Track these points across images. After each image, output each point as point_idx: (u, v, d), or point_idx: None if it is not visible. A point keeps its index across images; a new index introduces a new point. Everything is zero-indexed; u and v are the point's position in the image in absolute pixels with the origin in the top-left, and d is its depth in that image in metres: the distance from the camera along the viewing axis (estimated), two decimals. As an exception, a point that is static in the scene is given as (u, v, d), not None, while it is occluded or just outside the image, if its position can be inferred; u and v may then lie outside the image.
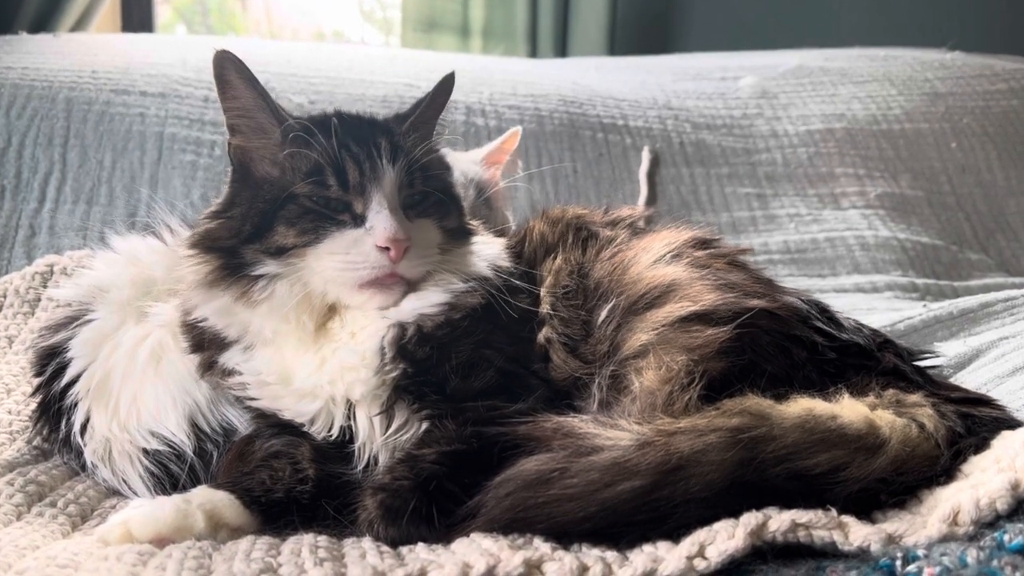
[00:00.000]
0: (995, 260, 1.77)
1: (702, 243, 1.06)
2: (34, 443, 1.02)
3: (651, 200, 1.83)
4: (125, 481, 0.91)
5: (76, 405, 0.94)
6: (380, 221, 0.87)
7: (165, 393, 0.93)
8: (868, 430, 0.79)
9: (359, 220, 0.88)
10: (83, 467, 0.95)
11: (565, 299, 0.93)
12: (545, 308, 0.94)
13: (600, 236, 1.03)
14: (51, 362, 0.99)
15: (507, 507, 0.73)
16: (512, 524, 0.73)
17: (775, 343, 0.92)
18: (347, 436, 0.87)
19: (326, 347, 0.90)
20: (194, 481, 0.90)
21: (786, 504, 0.73)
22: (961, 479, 0.79)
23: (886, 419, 0.82)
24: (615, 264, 0.95)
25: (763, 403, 0.80)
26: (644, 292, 0.90)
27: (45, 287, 1.42)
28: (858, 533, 0.70)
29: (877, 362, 0.95)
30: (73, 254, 1.48)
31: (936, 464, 0.80)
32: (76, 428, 0.93)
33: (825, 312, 1.00)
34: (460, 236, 0.98)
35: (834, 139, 1.94)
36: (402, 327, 0.88)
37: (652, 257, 0.94)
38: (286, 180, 0.90)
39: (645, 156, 1.90)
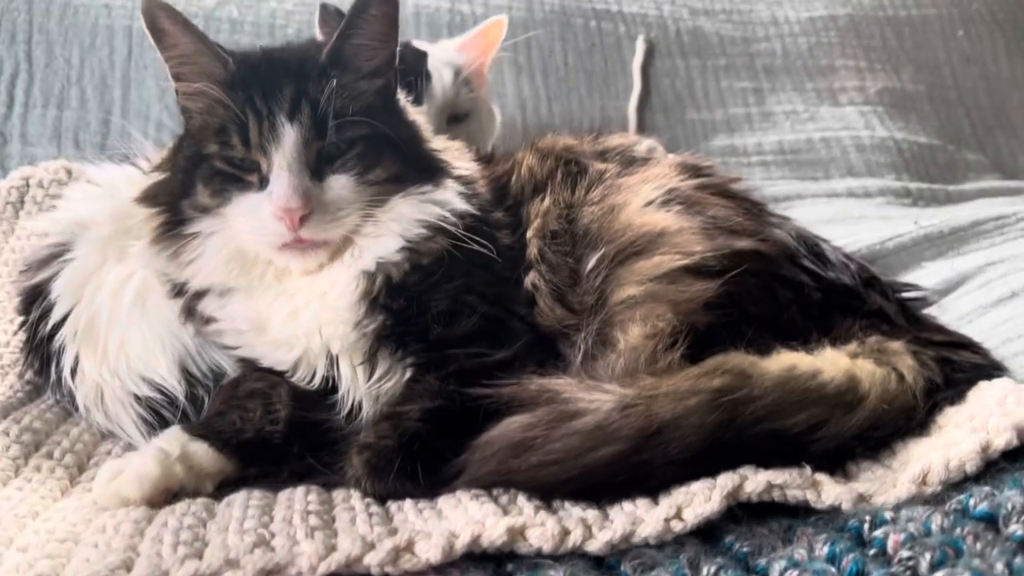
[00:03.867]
0: (992, 159, 1.74)
1: (693, 170, 1.04)
2: (26, 378, 1.03)
3: (644, 95, 1.77)
4: (120, 426, 0.93)
5: (64, 348, 0.95)
6: (278, 186, 0.84)
7: (153, 337, 0.93)
8: (848, 385, 0.80)
9: (264, 182, 0.85)
10: (75, 408, 0.96)
11: (553, 244, 0.92)
12: (532, 252, 0.93)
13: (590, 171, 1.00)
14: (35, 302, 0.98)
15: (491, 470, 0.75)
16: (496, 484, 0.75)
17: (761, 284, 0.91)
18: (329, 384, 0.88)
19: (297, 296, 0.89)
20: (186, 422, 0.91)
21: (762, 461, 0.75)
22: (935, 433, 0.81)
23: (866, 370, 0.83)
24: (604, 208, 0.93)
25: (745, 361, 0.81)
26: (633, 240, 0.88)
27: (22, 203, 1.39)
28: (830, 492, 0.73)
29: (862, 302, 0.96)
30: (48, 165, 1.44)
31: (913, 417, 0.82)
32: (66, 372, 0.94)
33: (814, 248, 0.99)
34: (405, 181, 0.90)
35: (836, 27, 1.86)
36: (369, 277, 0.86)
37: (642, 200, 0.92)
38: (201, 136, 0.86)
39: (639, 47, 1.83)
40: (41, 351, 0.97)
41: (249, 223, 0.86)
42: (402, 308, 0.86)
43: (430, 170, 0.94)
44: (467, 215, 0.91)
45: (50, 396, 1.00)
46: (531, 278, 0.92)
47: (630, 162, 1.04)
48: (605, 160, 1.04)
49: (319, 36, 1.26)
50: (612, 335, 0.84)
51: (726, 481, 0.72)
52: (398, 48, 1.24)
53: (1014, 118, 1.81)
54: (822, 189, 1.64)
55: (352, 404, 0.88)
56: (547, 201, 0.96)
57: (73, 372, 0.95)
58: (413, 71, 1.24)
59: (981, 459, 0.72)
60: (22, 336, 1.01)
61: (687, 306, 0.84)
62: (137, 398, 0.92)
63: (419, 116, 1.05)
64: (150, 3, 0.87)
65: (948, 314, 1.13)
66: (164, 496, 0.78)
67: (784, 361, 0.82)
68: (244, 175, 0.86)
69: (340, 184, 0.86)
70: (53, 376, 0.96)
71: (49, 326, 0.96)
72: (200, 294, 0.90)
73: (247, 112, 0.84)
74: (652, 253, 0.87)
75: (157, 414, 0.92)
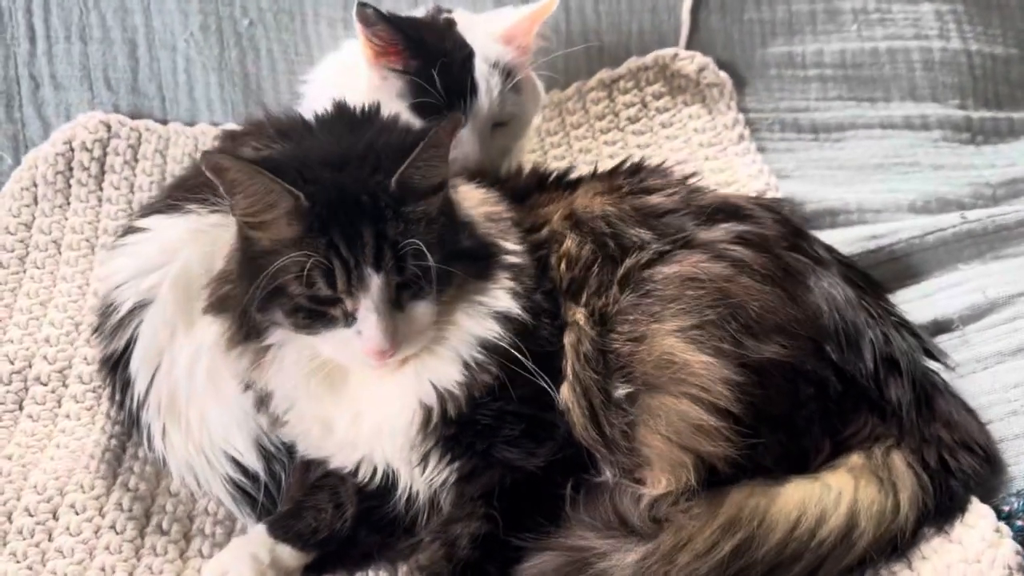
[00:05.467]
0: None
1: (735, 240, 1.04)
2: (112, 417, 1.16)
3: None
4: (212, 493, 1.07)
5: (152, 421, 1.06)
6: (367, 328, 0.88)
7: (229, 417, 1.04)
8: (847, 528, 0.92)
9: (350, 319, 0.90)
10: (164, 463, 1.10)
11: (587, 366, 0.97)
12: (567, 367, 0.98)
13: (627, 262, 1.01)
14: (115, 372, 1.09)
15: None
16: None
17: (785, 384, 0.99)
18: (388, 481, 1.00)
19: (361, 399, 0.98)
20: (269, 498, 1.06)
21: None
22: (920, 563, 0.92)
23: (866, 502, 0.94)
24: (636, 335, 0.96)
25: (759, 505, 0.92)
26: (660, 375, 0.94)
27: (71, 170, 1.41)
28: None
29: (880, 393, 1.02)
30: (87, 122, 1.44)
31: (899, 543, 0.94)
32: (157, 441, 1.07)
33: (846, 322, 1.02)
34: (467, 284, 0.95)
35: None
36: (427, 411, 0.95)
37: (672, 327, 0.95)
38: (280, 272, 0.88)
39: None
40: (132, 420, 1.09)
41: (337, 351, 0.92)
42: (453, 433, 0.96)
43: (485, 259, 0.98)
44: (518, 320, 0.96)
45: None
46: (565, 391, 0.98)
47: (674, 235, 1.04)
48: (650, 229, 1.04)
49: (359, 35, 1.17)
50: (641, 474, 0.94)
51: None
52: (440, 41, 1.18)
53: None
54: (878, 116, 1.55)
55: (409, 493, 1.01)
56: (582, 313, 1.00)
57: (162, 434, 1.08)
58: (458, 83, 1.16)
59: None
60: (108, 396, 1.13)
61: (710, 452, 0.92)
62: (225, 474, 1.05)
63: (469, 192, 1.05)
64: (216, 157, 0.87)
65: (969, 350, 1.18)
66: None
67: (794, 500, 0.93)
68: (329, 310, 0.90)
69: (420, 311, 0.92)
70: (146, 442, 1.08)
71: (135, 401, 1.07)
72: (271, 393, 1.00)
73: (332, 259, 0.87)
74: (680, 394, 0.93)
75: (242, 489, 1.06)
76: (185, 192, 1.17)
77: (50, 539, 1.02)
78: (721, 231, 1.07)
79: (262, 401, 1.02)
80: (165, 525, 1.06)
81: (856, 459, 0.98)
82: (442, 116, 1.12)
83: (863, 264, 1.31)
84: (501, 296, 0.97)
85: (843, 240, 1.34)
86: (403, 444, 0.96)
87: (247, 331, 0.94)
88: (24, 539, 1.01)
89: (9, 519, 1.03)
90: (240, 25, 1.54)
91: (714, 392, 0.93)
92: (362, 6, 1.16)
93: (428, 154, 0.90)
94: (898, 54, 1.59)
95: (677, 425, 0.93)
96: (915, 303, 1.27)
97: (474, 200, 1.04)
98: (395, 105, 1.17)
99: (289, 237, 0.88)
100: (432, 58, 1.18)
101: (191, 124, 1.56)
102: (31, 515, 1.03)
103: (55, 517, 1.04)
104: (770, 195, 1.41)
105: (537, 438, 0.98)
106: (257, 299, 0.89)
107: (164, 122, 1.55)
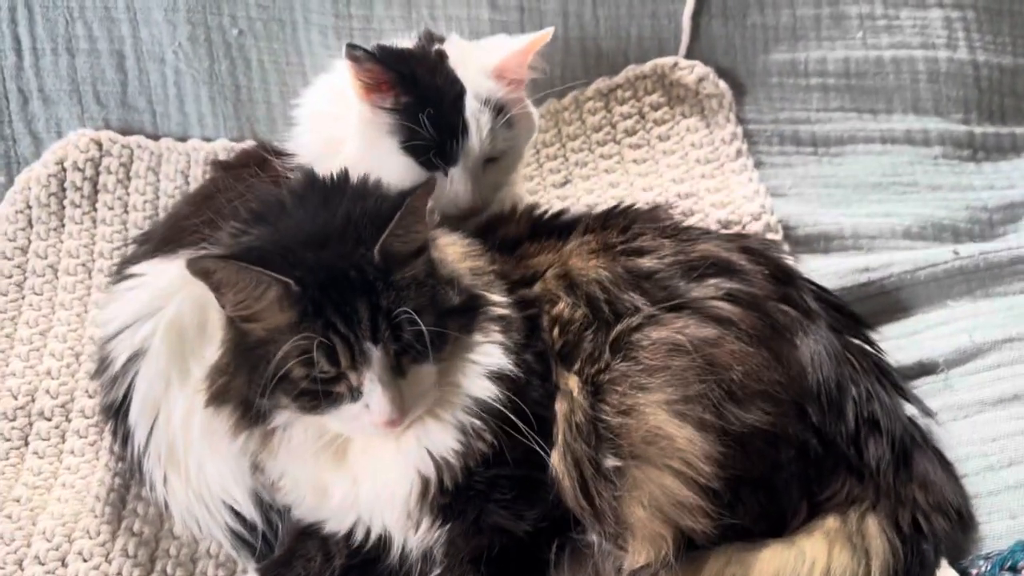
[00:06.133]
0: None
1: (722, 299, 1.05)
2: (114, 451, 1.19)
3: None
4: (213, 537, 1.11)
5: (153, 469, 1.10)
6: (374, 401, 0.91)
7: (227, 470, 1.07)
8: (819, 594, 0.96)
9: (356, 393, 0.92)
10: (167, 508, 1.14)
11: (578, 436, 0.99)
12: (559, 435, 1.00)
13: (619, 325, 1.03)
14: (116, 422, 1.12)
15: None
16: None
17: (766, 447, 1.01)
18: (381, 543, 1.04)
19: (358, 464, 1.00)
20: (267, 545, 1.10)
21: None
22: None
23: (840, 567, 0.98)
24: (624, 407, 0.98)
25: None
26: (647, 449, 0.96)
27: (63, 190, 1.41)
28: None
29: (859, 455, 1.05)
30: (77, 141, 1.43)
31: (864, 606, 0.98)
32: (159, 488, 1.10)
33: (830, 384, 1.04)
34: (460, 339, 0.97)
35: None
36: (424, 482, 0.97)
37: (660, 398, 0.97)
38: (282, 360, 0.89)
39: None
40: (134, 467, 1.12)
41: (345, 426, 0.95)
42: (448, 503, 0.99)
43: (473, 311, 0.99)
44: (511, 378, 0.98)
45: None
46: (556, 460, 1.00)
47: (663, 301, 1.05)
48: (642, 293, 1.05)
49: (350, 73, 1.15)
50: (624, 542, 0.97)
51: None
52: (431, 77, 1.17)
53: None
54: (879, 130, 1.52)
55: (402, 552, 1.05)
56: (574, 382, 1.01)
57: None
58: (449, 124, 1.15)
59: None
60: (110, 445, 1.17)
61: (690, 527, 0.95)
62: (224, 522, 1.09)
63: (450, 246, 1.05)
64: (201, 262, 0.88)
65: (951, 395, 1.20)
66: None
67: (768, 570, 0.97)
68: (334, 388, 0.92)
69: (422, 374, 0.95)
70: (148, 489, 1.12)
71: (136, 450, 1.10)
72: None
73: (331, 337, 0.89)
74: (664, 467, 0.96)
75: (240, 537, 1.10)
76: (177, 234, 1.18)
77: (60, 587, 1.07)
78: (711, 288, 1.08)
79: (256, 467, 1.05)
80: (169, 570, 1.11)
81: (832, 523, 1.01)
82: (433, 153, 1.15)
83: (853, 297, 1.34)
84: (494, 352, 0.98)
85: (836, 271, 1.35)
86: (400, 513, 1.00)
87: (251, 417, 0.96)
88: (35, 588, 1.07)
89: (20, 567, 1.08)
90: (229, 35, 1.50)
91: (696, 468, 0.95)
92: (351, 47, 1.13)
93: (406, 221, 0.91)
94: (903, 64, 1.54)
95: (659, 499, 0.95)
96: (902, 340, 1.29)
97: (456, 254, 1.04)
98: (386, 142, 1.17)
99: (284, 324, 0.90)
100: (423, 95, 1.16)
101: (183, 139, 1.54)
102: (41, 563, 1.08)
103: (64, 564, 1.09)
104: (764, 218, 1.41)
105: (529, 501, 1.01)
106: (262, 389, 0.91)
107: (156, 137, 1.53)
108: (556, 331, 1.05)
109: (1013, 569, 0.99)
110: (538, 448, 0.97)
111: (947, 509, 1.05)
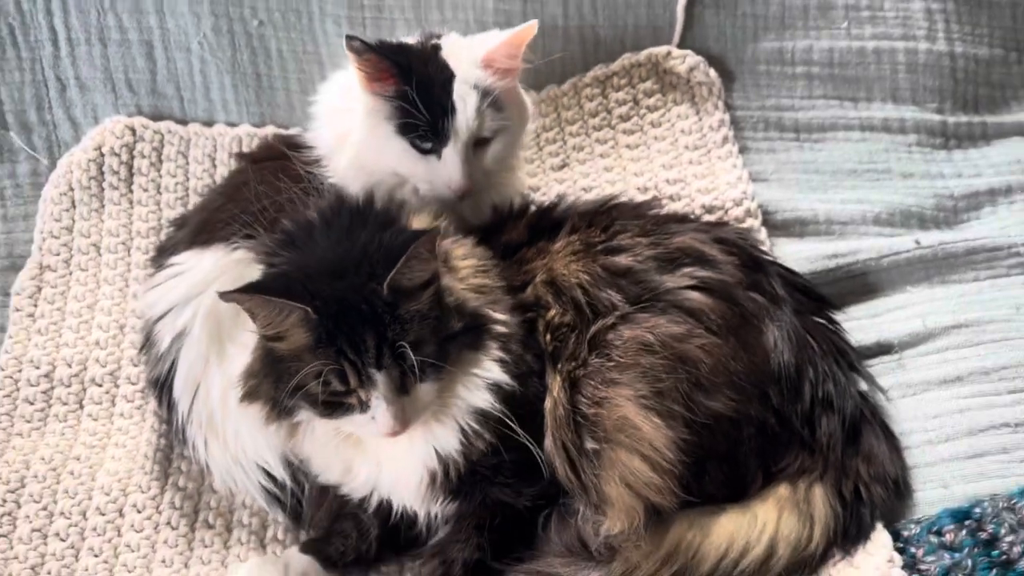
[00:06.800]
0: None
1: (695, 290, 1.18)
2: (160, 416, 1.35)
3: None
4: (250, 495, 1.28)
5: (195, 436, 1.26)
6: (379, 415, 1.05)
7: (260, 437, 1.22)
8: (767, 555, 1.12)
9: (364, 406, 1.06)
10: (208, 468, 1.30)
11: (564, 428, 1.14)
12: (549, 424, 1.15)
13: (596, 324, 1.16)
14: (162, 394, 1.28)
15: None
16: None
17: (728, 432, 1.16)
18: (406, 514, 1.20)
19: (381, 451, 1.15)
20: (295, 498, 1.26)
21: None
22: (824, 581, 1.13)
23: (785, 531, 1.13)
24: (600, 397, 1.12)
25: (695, 540, 1.11)
26: (620, 437, 1.11)
27: (102, 174, 1.54)
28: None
29: (812, 432, 1.19)
30: (113, 127, 1.55)
31: (809, 565, 1.14)
32: (201, 453, 1.27)
33: (794, 367, 1.18)
34: (462, 356, 1.10)
35: None
36: (432, 473, 1.13)
37: (631, 393, 1.11)
38: (300, 379, 1.04)
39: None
40: (179, 433, 1.28)
41: (356, 429, 1.10)
42: (456, 487, 1.15)
43: (476, 329, 1.11)
44: (508, 390, 1.12)
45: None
46: (549, 444, 1.15)
47: (637, 296, 1.18)
48: (618, 290, 1.18)
49: (352, 63, 1.25)
50: (604, 510, 1.12)
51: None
52: (424, 66, 1.27)
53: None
54: (859, 117, 1.62)
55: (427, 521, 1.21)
56: (556, 383, 1.15)
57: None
58: (439, 105, 1.25)
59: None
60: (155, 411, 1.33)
61: (658, 502, 1.10)
62: (259, 482, 1.26)
63: (462, 261, 1.18)
64: (232, 296, 1.03)
65: (903, 374, 1.34)
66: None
67: (724, 533, 1.12)
68: (346, 400, 1.06)
69: (423, 391, 1.08)
70: (191, 451, 1.29)
71: (180, 418, 1.26)
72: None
73: (342, 362, 1.03)
74: (633, 451, 1.10)
75: (274, 496, 1.26)
76: (211, 226, 1.31)
77: (119, 535, 1.25)
78: (684, 277, 1.20)
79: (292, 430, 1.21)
80: (211, 519, 1.28)
81: (783, 491, 1.16)
82: (425, 132, 1.25)
83: (823, 280, 1.47)
84: (492, 368, 1.11)
85: (808, 256, 1.48)
86: (416, 495, 1.16)
87: (279, 412, 1.10)
88: (99, 536, 1.25)
89: (84, 517, 1.26)
90: (250, 25, 1.60)
91: (662, 454, 1.10)
92: (350, 38, 1.24)
93: (412, 263, 1.03)
94: (884, 55, 1.63)
95: (630, 479, 1.10)
96: (864, 321, 1.42)
97: (466, 271, 1.15)
98: (385, 126, 1.28)
99: (303, 345, 1.04)
100: (416, 81, 1.26)
101: (209, 124, 1.66)
102: (102, 514, 1.26)
103: (121, 515, 1.27)
104: (745, 204, 1.53)
105: (527, 480, 1.16)
106: (285, 396, 1.06)
107: (184, 122, 1.65)
108: (548, 336, 1.18)
109: (938, 533, 1.16)
110: (528, 443, 1.11)
111: (886, 480, 1.20)
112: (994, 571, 1.08)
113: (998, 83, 1.66)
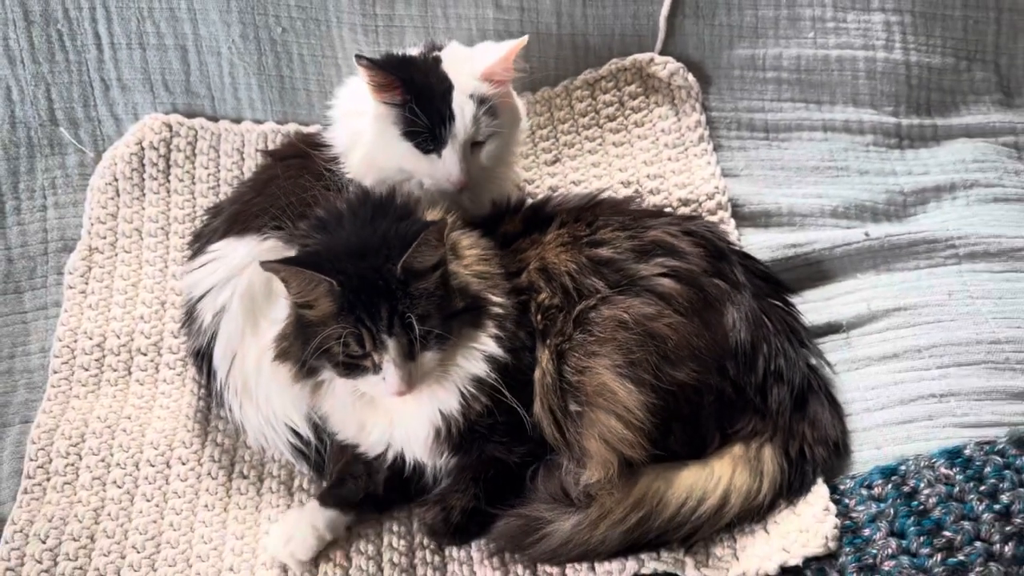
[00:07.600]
0: (1003, 74, 1.81)
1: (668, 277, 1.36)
2: (199, 380, 1.55)
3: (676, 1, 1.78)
4: (280, 452, 1.47)
5: (232, 400, 1.45)
6: (389, 376, 1.23)
7: (289, 398, 1.41)
8: (721, 503, 1.31)
9: (377, 368, 1.25)
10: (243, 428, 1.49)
11: (551, 395, 1.33)
12: (538, 390, 1.34)
13: (580, 304, 1.34)
14: (202, 363, 1.47)
15: (496, 548, 1.35)
16: (500, 552, 1.35)
17: (690, 399, 1.35)
18: (415, 465, 1.39)
19: (393, 411, 1.34)
20: (319, 455, 1.46)
21: (653, 548, 1.31)
22: (771, 528, 1.32)
23: (738, 483, 1.33)
24: (583, 366, 1.31)
25: (659, 490, 1.31)
26: (599, 400, 1.30)
27: (143, 166, 1.72)
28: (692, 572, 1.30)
29: (764, 401, 1.38)
30: (152, 124, 1.72)
31: (759, 513, 1.34)
32: (237, 415, 1.46)
33: (749, 343, 1.37)
34: (463, 331, 1.28)
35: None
36: (437, 430, 1.32)
37: (609, 362, 1.30)
38: (324, 340, 1.23)
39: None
40: (217, 397, 1.48)
41: (369, 389, 1.28)
42: (458, 441, 1.34)
43: (476, 310, 1.30)
44: (502, 361, 1.30)
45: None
46: (537, 408, 1.34)
47: (616, 282, 1.36)
48: (600, 277, 1.37)
49: (362, 76, 1.43)
50: (584, 462, 1.31)
51: (632, 564, 1.29)
52: (425, 78, 1.44)
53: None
54: (822, 119, 1.79)
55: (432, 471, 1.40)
56: (545, 356, 1.34)
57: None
58: (439, 113, 1.42)
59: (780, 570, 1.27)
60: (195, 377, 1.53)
61: (631, 455, 1.30)
62: (288, 441, 1.45)
63: (468, 250, 1.36)
64: (271, 265, 1.21)
65: (849, 351, 1.52)
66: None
67: (685, 485, 1.31)
68: (361, 362, 1.25)
69: (428, 358, 1.26)
70: (228, 413, 1.48)
71: (219, 384, 1.45)
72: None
73: (360, 328, 1.21)
74: (610, 412, 1.29)
75: (302, 452, 1.46)
76: (244, 217, 1.49)
77: (168, 483, 1.45)
78: (656, 266, 1.39)
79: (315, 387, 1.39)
80: (245, 471, 1.48)
81: (738, 450, 1.35)
82: (427, 137, 1.43)
83: (782, 267, 1.64)
84: (488, 342, 1.29)
85: (770, 245, 1.66)
86: (423, 448, 1.35)
87: (305, 371, 1.29)
88: (151, 484, 1.45)
89: (137, 467, 1.46)
90: (275, 32, 1.77)
91: (634, 414, 1.29)
92: (359, 57, 1.42)
93: (422, 248, 1.21)
94: (846, 62, 1.80)
95: (607, 436, 1.30)
96: (818, 304, 1.60)
97: (470, 259, 1.33)
98: (391, 130, 1.46)
99: (328, 312, 1.22)
100: (418, 92, 1.44)
101: (237, 121, 1.84)
102: (152, 465, 1.46)
103: (168, 466, 1.46)
104: (717, 198, 1.70)
105: (519, 439, 1.35)
106: (310, 355, 1.25)
107: (215, 119, 1.82)
108: (539, 316, 1.37)
109: (869, 487, 1.35)
110: (518, 408, 1.30)
111: (827, 442, 1.38)
112: (912, 518, 1.27)
113: (948, 89, 1.83)
